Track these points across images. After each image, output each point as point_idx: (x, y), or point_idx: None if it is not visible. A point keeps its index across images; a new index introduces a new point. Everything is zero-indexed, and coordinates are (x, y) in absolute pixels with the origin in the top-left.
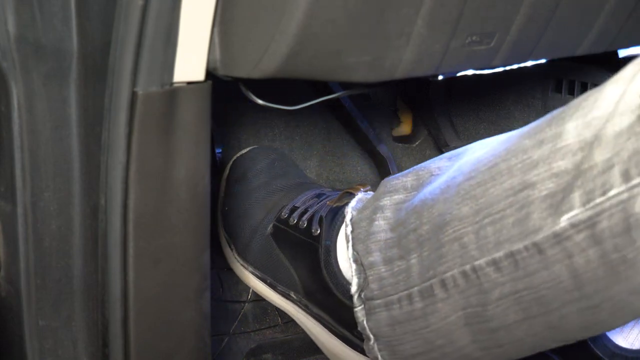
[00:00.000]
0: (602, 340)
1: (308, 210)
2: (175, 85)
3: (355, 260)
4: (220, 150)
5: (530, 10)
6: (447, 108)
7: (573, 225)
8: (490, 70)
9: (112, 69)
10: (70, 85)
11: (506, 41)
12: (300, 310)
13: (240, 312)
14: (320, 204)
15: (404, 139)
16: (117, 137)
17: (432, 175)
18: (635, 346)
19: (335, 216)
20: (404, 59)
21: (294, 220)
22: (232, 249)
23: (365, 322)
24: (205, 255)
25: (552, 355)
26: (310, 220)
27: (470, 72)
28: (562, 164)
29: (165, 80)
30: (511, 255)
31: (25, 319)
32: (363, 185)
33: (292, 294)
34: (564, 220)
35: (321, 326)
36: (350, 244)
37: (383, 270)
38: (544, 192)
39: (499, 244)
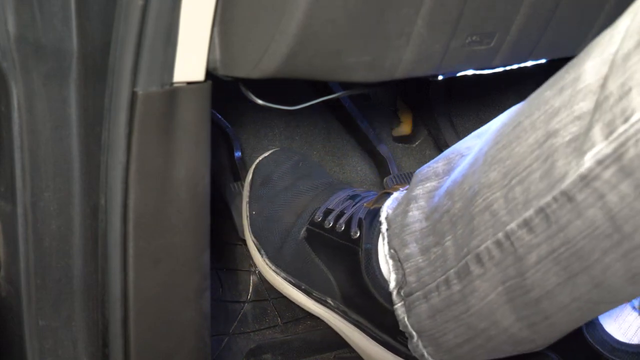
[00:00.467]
0: (601, 335)
1: (344, 213)
2: (175, 85)
3: (392, 257)
4: (240, 154)
5: (530, 10)
6: (447, 108)
7: (599, 162)
8: (490, 70)
9: (112, 69)
10: (70, 85)
11: (506, 41)
12: (337, 317)
13: (240, 312)
14: (356, 206)
15: (404, 139)
16: (117, 137)
17: (462, 156)
18: (634, 341)
19: (374, 218)
20: (404, 59)
21: (329, 223)
22: (262, 255)
23: (406, 319)
24: (205, 255)
25: (551, 355)
26: (348, 223)
27: (470, 72)
28: (584, 105)
29: (165, 80)
30: (541, 210)
31: (25, 319)
32: (402, 184)
33: (329, 300)
34: (588, 159)
35: (360, 332)
36: (385, 241)
37: (420, 260)
38: (568, 137)
39: (527, 202)
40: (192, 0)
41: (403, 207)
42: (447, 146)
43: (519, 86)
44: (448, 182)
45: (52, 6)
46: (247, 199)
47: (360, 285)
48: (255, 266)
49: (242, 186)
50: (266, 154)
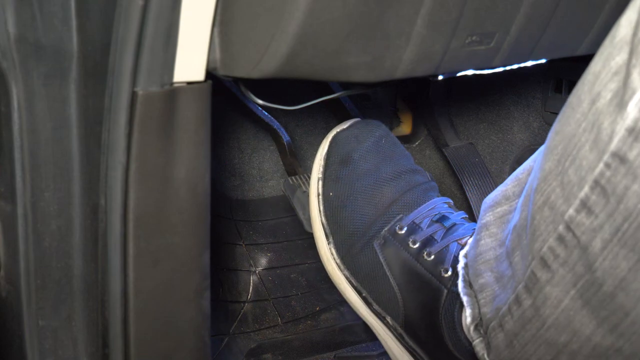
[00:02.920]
0: None
1: (434, 240)
2: (175, 85)
3: (467, 294)
4: (289, 138)
5: (530, 10)
6: (447, 108)
7: None
8: (490, 70)
9: (112, 69)
10: (70, 85)
11: (506, 41)
12: (391, 335)
13: (240, 312)
14: (449, 237)
15: (404, 139)
16: (117, 137)
17: (531, 171)
18: None
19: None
20: (404, 59)
21: (414, 243)
22: (329, 242)
23: (486, 355)
24: (205, 255)
25: None
26: (440, 257)
27: (470, 72)
28: (620, 58)
29: (165, 80)
30: (596, 184)
31: (25, 319)
32: None
33: (388, 319)
34: (631, 109)
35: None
36: (460, 279)
37: (496, 288)
38: (609, 96)
39: (581, 180)
40: (192, 1)
41: (475, 237)
42: (446, 146)
43: (519, 86)
44: (520, 200)
45: (52, 6)
46: (321, 176)
47: (431, 323)
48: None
49: (301, 179)
50: (345, 126)
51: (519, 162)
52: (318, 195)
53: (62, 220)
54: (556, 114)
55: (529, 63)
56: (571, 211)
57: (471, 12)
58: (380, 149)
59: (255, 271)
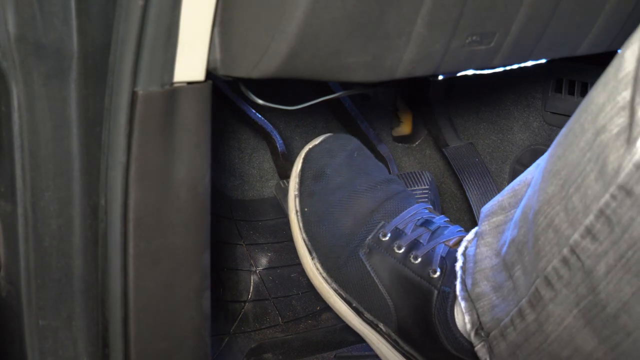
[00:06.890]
0: None
1: (420, 243)
2: (176, 85)
3: (464, 298)
4: (282, 142)
5: (530, 10)
6: (447, 108)
7: None
8: (490, 70)
9: (112, 69)
10: (70, 85)
11: (506, 41)
12: (385, 343)
13: (241, 311)
14: (435, 240)
15: (404, 139)
16: (117, 137)
17: (528, 186)
18: None
19: (456, 261)
20: (404, 59)
21: (400, 248)
22: (312, 257)
23: None
24: (205, 255)
25: None
26: (427, 259)
27: (470, 72)
28: (627, 93)
29: (165, 80)
30: (601, 213)
31: (25, 319)
32: None
33: (381, 326)
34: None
35: None
36: (459, 281)
37: (494, 298)
38: (615, 130)
39: (586, 208)
40: (192, 1)
41: (473, 244)
42: (447, 146)
43: (519, 86)
44: (516, 213)
45: (53, 6)
46: (297, 192)
47: (425, 325)
48: (255, 267)
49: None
50: (317, 142)
51: (519, 161)
52: (296, 212)
53: (62, 220)
54: (556, 113)
55: (529, 63)
56: (576, 236)
57: (471, 12)
58: (354, 162)
59: (255, 271)
